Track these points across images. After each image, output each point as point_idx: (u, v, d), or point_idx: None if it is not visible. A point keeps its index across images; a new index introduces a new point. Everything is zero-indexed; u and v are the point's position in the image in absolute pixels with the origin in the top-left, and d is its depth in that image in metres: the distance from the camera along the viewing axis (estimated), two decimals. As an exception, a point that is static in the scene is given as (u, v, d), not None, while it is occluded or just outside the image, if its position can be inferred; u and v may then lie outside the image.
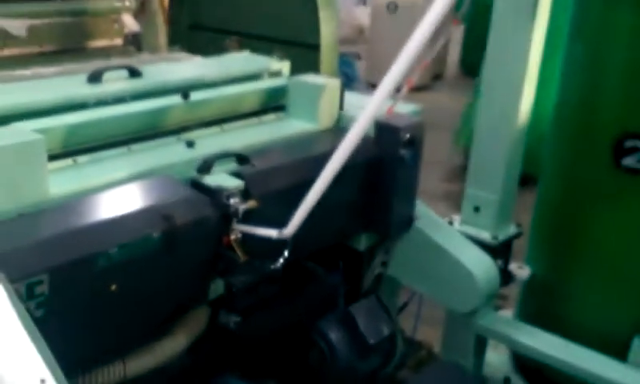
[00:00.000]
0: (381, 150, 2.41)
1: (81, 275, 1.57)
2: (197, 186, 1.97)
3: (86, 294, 1.60)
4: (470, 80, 8.15)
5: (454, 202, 5.27)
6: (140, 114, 2.17)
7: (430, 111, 2.80)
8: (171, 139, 2.21)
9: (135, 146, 2.11)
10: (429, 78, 9.43)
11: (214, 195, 1.93)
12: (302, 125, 2.49)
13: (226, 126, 2.38)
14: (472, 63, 9.51)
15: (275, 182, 2.10)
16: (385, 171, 2.43)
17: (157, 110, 2.21)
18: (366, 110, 1.75)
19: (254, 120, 2.49)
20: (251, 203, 1.97)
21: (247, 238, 1.95)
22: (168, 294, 1.86)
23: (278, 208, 2.03)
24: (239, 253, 1.94)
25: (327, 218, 2.24)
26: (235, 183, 1.99)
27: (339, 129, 2.51)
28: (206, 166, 2.02)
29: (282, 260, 1.95)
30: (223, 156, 2.08)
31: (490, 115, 2.90)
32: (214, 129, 2.35)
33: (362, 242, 2.61)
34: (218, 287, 2.03)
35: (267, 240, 1.93)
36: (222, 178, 2.00)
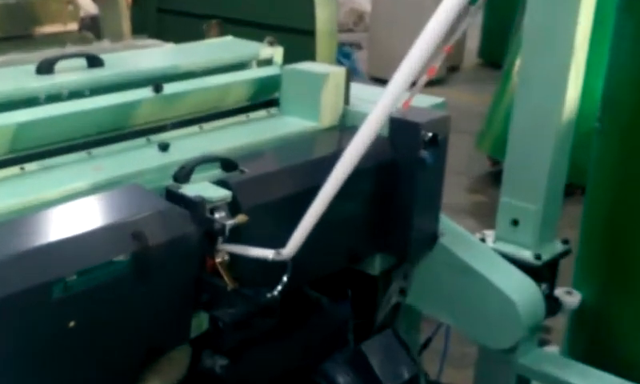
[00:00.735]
0: (397, 152, 2.40)
1: (31, 309, 1.55)
2: (173, 197, 1.94)
3: (37, 333, 1.57)
4: (492, 71, 8.20)
5: (483, 216, 5.27)
6: (102, 110, 2.15)
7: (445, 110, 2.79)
8: (140, 141, 2.19)
9: (96, 150, 2.08)
10: (443, 70, 9.47)
11: (195, 208, 1.90)
12: (298, 123, 2.48)
13: (206, 126, 2.37)
14: (494, 51, 9.59)
15: (269, 191, 2.08)
16: (402, 178, 2.41)
17: (122, 106, 2.19)
18: (379, 104, 1.75)
19: (241, 117, 2.48)
20: (240, 218, 1.94)
21: (236, 261, 1.94)
22: (139, 333, 1.83)
23: (273, 224, 2.03)
24: (226, 279, 1.92)
25: (333, 235, 2.24)
26: (220, 193, 1.96)
27: (345, 127, 2.50)
28: (183, 173, 1.98)
29: (279, 288, 1.92)
30: (205, 161, 2.05)
31: (529, 111, 2.88)
32: (193, 128, 2.33)
33: (376, 265, 2.60)
34: (201, 322, 1.99)
35: (261, 263, 1.91)
36: (203, 188, 1.97)
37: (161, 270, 1.79)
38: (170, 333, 1.93)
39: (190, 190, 1.95)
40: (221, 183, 2.00)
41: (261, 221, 2.00)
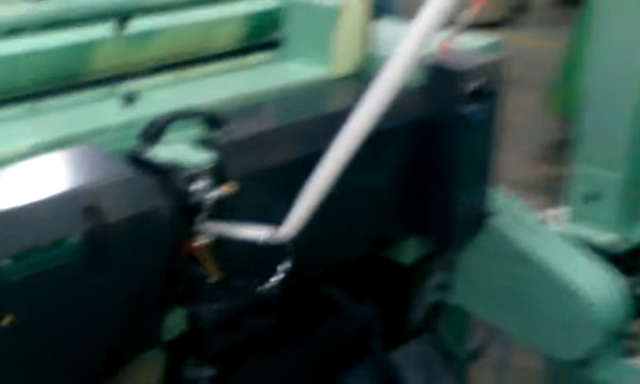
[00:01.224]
0: (433, 108, 2.40)
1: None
2: (138, 162, 1.92)
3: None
4: (570, 10, 8.06)
5: (553, 193, 5.22)
6: (50, 52, 2.15)
7: (509, 59, 2.78)
8: (100, 93, 2.19)
9: (42, 104, 2.09)
10: (507, 9, 9.35)
11: (166, 177, 1.89)
12: (304, 70, 2.48)
13: (186, 73, 2.36)
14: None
15: (265, 155, 2.08)
16: (440, 140, 2.41)
17: (77, 46, 2.19)
18: (403, 46, 1.72)
19: (231, 63, 2.48)
20: (227, 189, 1.93)
21: (222, 245, 1.94)
22: (95, 334, 1.82)
23: (270, 198, 2.03)
24: (209, 267, 1.92)
25: (350, 213, 2.25)
26: (200, 157, 1.95)
27: (365, 76, 2.48)
28: (153, 132, 1.97)
29: (276, 278, 1.93)
30: (182, 116, 2.04)
31: (609, 61, 2.91)
32: (168, 76, 2.33)
33: (408, 252, 2.60)
34: (177, 321, 1.99)
35: (255, 248, 1.90)
36: (179, 150, 1.96)
37: (121, 255, 1.78)
38: (136, 334, 1.92)
39: (161, 153, 1.94)
40: (202, 144, 1.99)
41: (253, 193, 1.99)
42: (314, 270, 2.36)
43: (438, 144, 2.41)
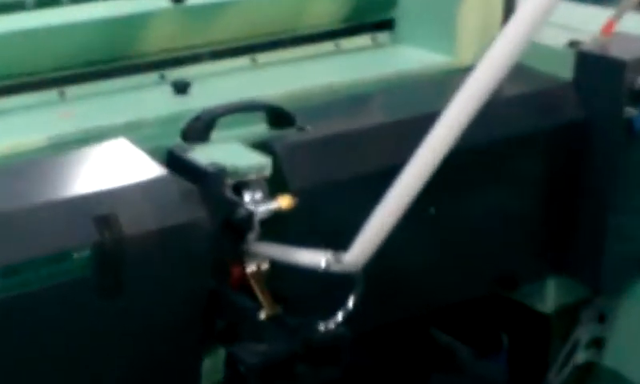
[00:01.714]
0: (588, 108, 2.37)
1: None
2: (176, 163, 1.97)
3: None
4: None
5: None
6: (88, 27, 2.22)
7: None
8: (147, 78, 2.26)
9: (73, 89, 2.15)
10: None
11: (209, 182, 1.92)
12: (422, 56, 2.49)
13: (263, 57, 2.40)
14: None
15: (338, 162, 2.09)
16: (595, 152, 2.38)
17: (121, 21, 2.25)
18: (510, 25, 1.66)
19: (327, 46, 2.50)
20: (285, 202, 1.94)
21: (280, 273, 1.96)
22: (109, 377, 1.86)
23: (340, 215, 2.03)
24: (262, 299, 1.93)
25: (463, 239, 2.26)
26: (254, 161, 1.98)
27: None
28: (198, 127, 2.02)
29: (341, 316, 1.92)
30: (239, 109, 2.08)
31: None
32: (239, 61, 2.38)
33: (548, 298, 2.58)
34: (219, 366, 2.02)
35: (319, 278, 1.89)
36: (229, 151, 1.99)
37: (143, 275, 1.81)
38: (164, 381, 1.96)
39: (204, 153, 1.97)
40: (260, 146, 2.02)
41: (319, 210, 2.01)
42: (413, 310, 2.35)
43: (592, 157, 2.38)
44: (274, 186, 1.97)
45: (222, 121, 2.05)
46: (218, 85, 2.26)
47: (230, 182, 1.93)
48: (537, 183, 2.38)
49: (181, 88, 2.19)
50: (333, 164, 2.09)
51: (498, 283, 2.48)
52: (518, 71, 2.52)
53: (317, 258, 1.88)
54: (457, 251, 2.25)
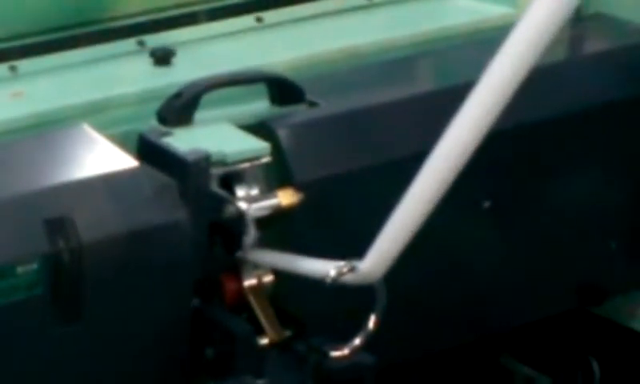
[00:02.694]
0: None
1: None
2: (150, 151, 1.98)
3: None
4: None
5: None
6: None
7: None
8: (121, 46, 2.27)
9: (26, 63, 2.17)
10: None
11: (192, 173, 1.92)
12: (475, 7, 2.50)
13: (274, 14, 2.40)
14: None
15: (356, 147, 2.09)
16: None
17: None
18: None
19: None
20: (287, 197, 1.96)
21: (285, 286, 1.98)
22: None
23: (358, 215, 2.04)
24: (265, 321, 1.97)
25: (529, 242, 2.26)
26: (249, 147, 1.99)
27: (580, 18, 2.45)
28: (177, 107, 2.03)
29: (359, 340, 1.93)
30: (232, 81, 2.08)
31: None
32: (243, 20, 2.37)
33: None
34: None
35: (335, 293, 1.90)
36: (217, 134, 2.02)
37: (110, 295, 1.83)
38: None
39: (185, 138, 1.99)
40: (258, 128, 2.03)
41: (330, 207, 2.02)
42: (469, 334, 2.36)
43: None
44: (275, 177, 1.99)
45: (211, 97, 2.06)
46: (210, 52, 2.27)
47: (216, 172, 1.94)
48: (628, 166, 2.38)
49: (162, 57, 2.19)
50: (349, 149, 2.09)
51: (580, 296, 2.47)
52: (601, 22, 2.53)
53: (325, 268, 1.88)
54: (523, 256, 2.26)
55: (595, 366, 2.64)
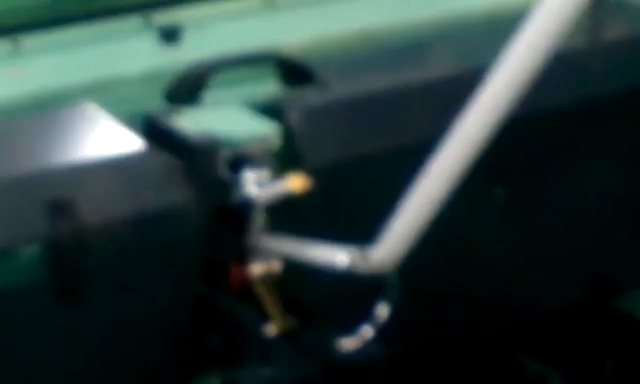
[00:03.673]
0: None
1: None
2: (156, 132, 1.98)
3: None
4: None
5: None
6: None
7: None
8: (127, 23, 2.28)
9: (31, 40, 2.18)
10: None
11: (198, 156, 1.93)
12: None
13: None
14: None
15: (368, 131, 2.08)
16: None
17: None
18: None
19: None
20: (297, 182, 1.95)
21: (293, 274, 1.96)
22: None
23: (370, 201, 2.01)
24: (271, 310, 1.95)
25: (539, 231, 2.25)
26: (258, 129, 1.99)
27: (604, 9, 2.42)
28: (186, 87, 2.03)
29: (369, 330, 1.93)
30: (240, 61, 2.08)
31: None
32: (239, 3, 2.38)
33: None
34: None
35: (345, 282, 1.89)
36: (225, 117, 2.01)
37: (113, 280, 1.82)
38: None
39: (193, 120, 1.99)
40: (267, 110, 2.02)
41: (346, 193, 2.01)
42: (479, 326, 2.35)
43: None
44: (285, 162, 1.97)
45: (220, 78, 2.06)
46: (218, 31, 2.29)
47: (225, 155, 1.93)
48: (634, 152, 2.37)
49: (169, 35, 2.22)
50: (362, 133, 2.08)
51: (594, 288, 2.47)
52: (621, 9, 2.51)
53: (337, 256, 1.88)
54: (535, 245, 2.26)
55: (609, 364, 2.66)
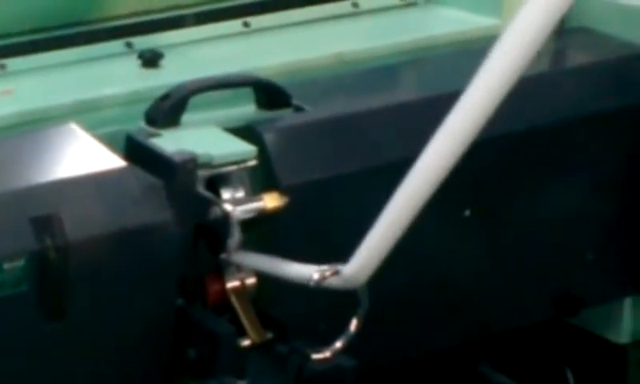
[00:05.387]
0: None
1: None
2: (137, 151, 1.99)
3: None
4: None
5: None
6: None
7: None
8: (109, 47, 2.27)
9: (16, 61, 2.17)
10: None
11: (178, 174, 1.93)
12: (461, 18, 2.50)
13: (257, 20, 2.40)
14: None
15: (342, 152, 2.10)
16: None
17: None
18: None
19: (342, 6, 2.49)
20: (272, 201, 1.97)
21: (266, 289, 1.99)
22: None
23: (343, 219, 2.05)
24: (247, 323, 1.96)
25: (506, 249, 2.26)
26: (235, 149, 2.00)
27: (568, 32, 2.45)
28: (166, 108, 2.04)
29: (340, 342, 1.94)
30: (219, 85, 2.10)
31: None
32: (232, 24, 2.38)
33: (625, 325, 2.56)
34: None
35: (319, 297, 1.92)
36: (203, 137, 2.02)
37: (95, 293, 1.83)
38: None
39: (173, 140, 1.99)
40: (244, 132, 2.04)
41: (316, 210, 2.02)
42: (447, 340, 2.35)
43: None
44: (260, 180, 1.99)
45: (199, 100, 2.07)
46: (198, 55, 2.27)
47: (203, 174, 1.94)
48: (606, 178, 2.38)
49: (150, 59, 2.20)
50: (335, 154, 2.09)
51: (557, 305, 2.46)
52: (584, 36, 2.52)
53: (308, 272, 1.88)
54: (501, 264, 2.26)
55: (570, 376, 2.63)
